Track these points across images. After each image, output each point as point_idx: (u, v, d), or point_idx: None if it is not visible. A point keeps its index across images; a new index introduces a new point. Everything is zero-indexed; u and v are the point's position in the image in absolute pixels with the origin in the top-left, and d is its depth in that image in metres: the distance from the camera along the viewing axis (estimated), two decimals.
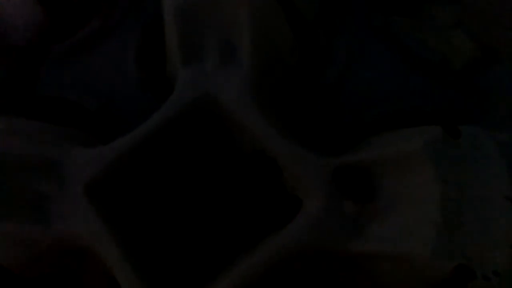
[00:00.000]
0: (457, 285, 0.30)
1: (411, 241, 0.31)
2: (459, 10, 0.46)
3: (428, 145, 0.32)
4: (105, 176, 0.36)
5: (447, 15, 0.46)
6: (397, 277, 0.32)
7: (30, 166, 0.36)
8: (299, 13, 0.40)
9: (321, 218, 0.33)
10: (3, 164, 0.36)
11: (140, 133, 0.37)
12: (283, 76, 0.40)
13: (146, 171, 0.37)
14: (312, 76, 0.42)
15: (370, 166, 0.34)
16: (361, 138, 0.39)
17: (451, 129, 0.33)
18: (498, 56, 0.43)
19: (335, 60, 0.42)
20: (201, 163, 0.38)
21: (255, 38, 0.37)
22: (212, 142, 0.38)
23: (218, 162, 0.38)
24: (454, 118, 0.41)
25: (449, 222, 0.30)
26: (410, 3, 0.47)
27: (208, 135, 0.38)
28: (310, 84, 0.42)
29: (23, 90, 0.45)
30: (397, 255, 0.31)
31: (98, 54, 0.45)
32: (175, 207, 0.38)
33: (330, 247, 0.32)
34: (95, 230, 0.35)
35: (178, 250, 0.38)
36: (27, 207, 0.35)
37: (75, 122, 0.43)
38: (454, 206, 0.30)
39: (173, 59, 0.39)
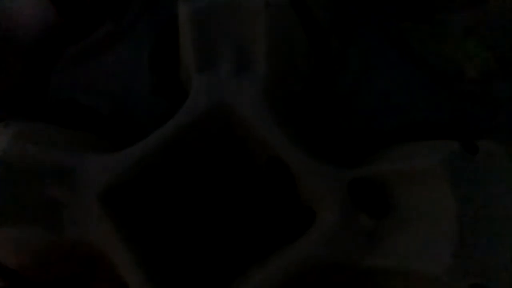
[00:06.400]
0: None
1: (425, 259, 0.30)
2: (471, 18, 0.45)
3: (445, 161, 0.32)
4: (118, 183, 0.36)
5: (460, 22, 0.45)
6: None
7: (43, 171, 0.36)
8: (315, 20, 0.40)
9: (336, 231, 0.33)
10: (16, 168, 0.36)
11: (154, 141, 0.36)
12: (297, 84, 0.40)
13: (159, 178, 0.37)
14: (325, 84, 0.42)
15: (385, 180, 0.33)
16: (374, 148, 0.39)
17: (469, 144, 0.33)
18: None
19: (348, 69, 0.42)
20: (215, 170, 0.38)
21: (271, 46, 0.37)
22: (226, 150, 0.38)
23: (232, 170, 0.38)
24: (468, 129, 0.40)
25: (465, 240, 0.30)
26: (423, 10, 0.46)
27: (222, 143, 0.38)
28: (324, 92, 0.42)
29: (35, 93, 0.45)
30: (411, 272, 0.31)
31: (111, 57, 0.45)
32: (188, 214, 0.38)
33: (344, 261, 0.32)
34: (108, 236, 0.35)
35: (190, 257, 0.38)
36: (39, 212, 0.35)
37: (88, 126, 0.43)
38: (470, 224, 0.30)
39: (187, 65, 0.39)
